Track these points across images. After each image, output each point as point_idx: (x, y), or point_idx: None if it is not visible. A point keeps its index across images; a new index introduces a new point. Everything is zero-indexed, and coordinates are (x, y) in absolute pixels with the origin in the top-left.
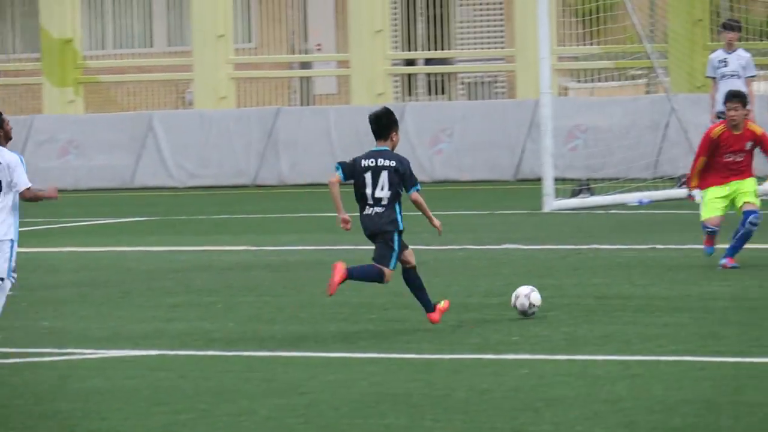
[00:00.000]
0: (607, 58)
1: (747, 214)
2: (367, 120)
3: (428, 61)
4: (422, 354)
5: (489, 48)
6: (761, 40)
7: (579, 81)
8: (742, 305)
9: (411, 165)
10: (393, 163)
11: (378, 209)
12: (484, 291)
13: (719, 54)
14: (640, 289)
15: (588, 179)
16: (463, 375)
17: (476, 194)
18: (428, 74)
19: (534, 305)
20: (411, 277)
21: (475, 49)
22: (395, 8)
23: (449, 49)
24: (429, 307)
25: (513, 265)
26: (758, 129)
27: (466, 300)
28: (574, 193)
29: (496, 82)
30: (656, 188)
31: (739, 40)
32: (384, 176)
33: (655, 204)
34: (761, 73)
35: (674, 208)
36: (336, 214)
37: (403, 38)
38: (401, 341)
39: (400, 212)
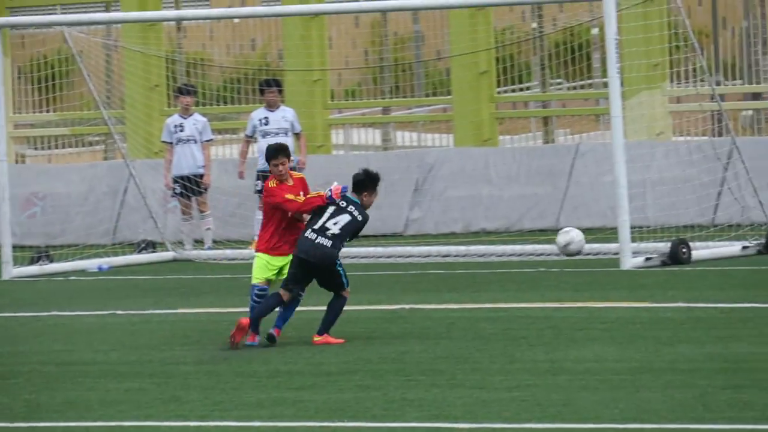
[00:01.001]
0: (63, 125)
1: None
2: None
3: None
4: None
5: None
6: (218, 105)
7: (36, 148)
8: (202, 369)
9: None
10: (359, 217)
11: (323, 240)
12: None
13: (175, 119)
14: (101, 354)
15: (47, 246)
16: None
17: None
18: None
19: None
20: (336, 302)
21: None
22: None
23: None
24: (322, 329)
25: None
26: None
27: None
28: (33, 261)
29: None
30: (116, 254)
31: (196, 104)
32: (345, 218)
33: (115, 270)
34: (218, 137)
35: (134, 273)
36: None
37: None
38: None
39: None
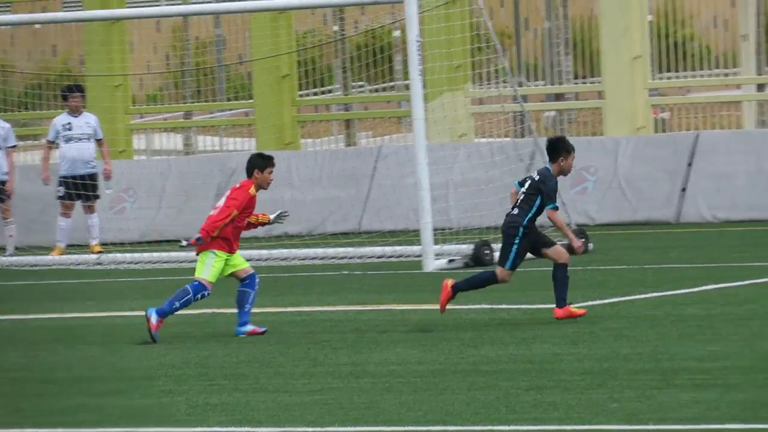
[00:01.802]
0: None
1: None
2: None
3: None
4: None
5: None
6: (20, 111)
7: None
8: (4, 376)
9: (554, 188)
10: (537, 177)
11: (515, 210)
12: None
13: None
14: None
15: None
16: None
17: None
18: None
19: None
20: (558, 272)
21: None
22: None
23: None
24: (560, 302)
25: None
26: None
27: None
28: None
29: None
30: None
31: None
32: (527, 185)
33: None
34: (20, 143)
35: None
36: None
37: None
38: None
39: (530, 218)
